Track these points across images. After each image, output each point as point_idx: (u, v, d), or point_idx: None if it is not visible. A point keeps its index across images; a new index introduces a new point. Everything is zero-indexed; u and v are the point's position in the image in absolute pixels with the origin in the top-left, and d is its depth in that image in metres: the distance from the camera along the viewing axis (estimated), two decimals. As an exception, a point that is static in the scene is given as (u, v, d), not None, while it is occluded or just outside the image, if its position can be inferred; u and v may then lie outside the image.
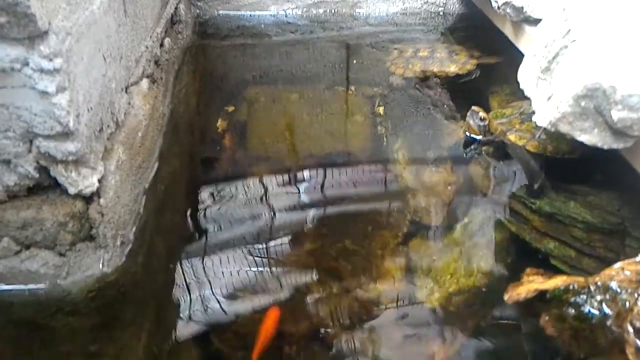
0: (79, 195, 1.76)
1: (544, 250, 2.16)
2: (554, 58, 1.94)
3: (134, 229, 1.91)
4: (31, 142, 1.66)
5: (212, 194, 2.59)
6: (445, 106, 3.02)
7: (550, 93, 1.92)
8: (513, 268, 2.25)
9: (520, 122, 2.55)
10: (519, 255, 2.29)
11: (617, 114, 1.67)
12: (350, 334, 2.12)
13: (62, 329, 1.69)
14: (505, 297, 1.96)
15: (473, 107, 2.66)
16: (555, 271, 2.07)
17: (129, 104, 2.17)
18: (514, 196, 2.39)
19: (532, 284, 1.95)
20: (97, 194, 1.80)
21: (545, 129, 2.46)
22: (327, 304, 2.19)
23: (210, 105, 3.01)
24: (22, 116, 1.59)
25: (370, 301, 2.21)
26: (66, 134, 1.64)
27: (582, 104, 1.77)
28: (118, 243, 1.83)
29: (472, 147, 2.69)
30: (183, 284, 2.17)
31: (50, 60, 1.53)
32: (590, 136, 1.82)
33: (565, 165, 2.46)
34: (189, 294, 2.15)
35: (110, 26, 1.97)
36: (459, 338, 2.11)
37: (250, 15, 3.70)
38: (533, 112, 2.10)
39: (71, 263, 1.75)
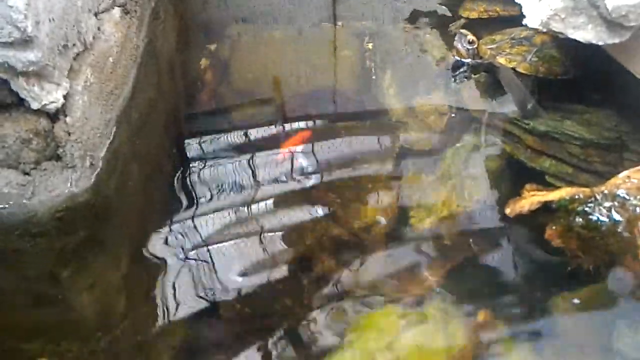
0: (43, 112, 1.68)
1: (539, 169, 2.08)
2: (544, -43, 1.85)
3: (103, 152, 1.83)
4: (-12, 51, 1.58)
5: (191, 127, 2.51)
6: (434, 41, 2.92)
7: (542, -8, 1.84)
8: (508, 191, 2.17)
9: (511, 46, 2.47)
10: (513, 178, 2.22)
11: (611, 2, 1.58)
12: (340, 263, 2.06)
13: (29, 251, 1.61)
14: (507, 211, 1.90)
15: (461, 30, 2.58)
16: (551, 186, 2.00)
17: (99, 29, 2.08)
18: (506, 118, 2.31)
19: (535, 196, 1.88)
20: (62, 111, 1.72)
21: (536, 51, 2.38)
22: (316, 235, 2.12)
23: (191, 43, 2.92)
24: (-24, 21, 1.51)
25: (360, 230, 2.15)
26: (25, 42, 1.56)
27: (575, -4, 1.69)
28: (87, 164, 1.74)
29: (461, 70, 2.60)
30: (161, 213, 2.10)
31: (3, -43, 1.44)
32: (584, 32, 1.73)
33: (559, 86, 2.37)
34: (167, 223, 2.08)
35: (74, -61, 1.88)
36: (450, 260, 2.05)
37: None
38: (524, 16, 2.01)
39: (36, 182, 1.67)
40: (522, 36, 2.47)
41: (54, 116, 1.69)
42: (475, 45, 2.53)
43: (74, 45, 1.84)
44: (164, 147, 2.37)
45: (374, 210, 2.20)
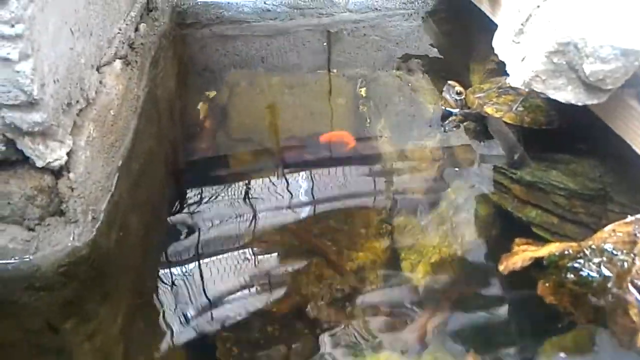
0: (47, 169, 1.74)
1: (525, 219, 2.14)
2: (526, 20, 1.93)
3: (105, 205, 1.89)
4: (-4, 113, 1.64)
5: (190, 175, 2.57)
6: (426, 86, 3.01)
7: (524, 54, 1.91)
8: (498, 238, 2.24)
9: (498, 96, 2.55)
10: (503, 226, 2.28)
11: (589, 67, 1.66)
12: (335, 310, 2.10)
13: (33, 304, 1.66)
14: (501, 268, 1.95)
15: (449, 82, 2.67)
16: (541, 240, 2.05)
17: (101, 82, 2.15)
18: (495, 168, 2.38)
19: (527, 252, 1.93)
20: (66, 168, 1.78)
21: (522, 100, 2.46)
22: (310, 282, 2.17)
23: (190, 90, 3.00)
24: (-15, 85, 1.57)
25: (354, 276, 2.20)
26: (31, 104, 1.62)
27: (555, 60, 1.76)
28: (89, 218, 1.80)
29: (450, 119, 2.68)
30: (159, 262, 2.15)
31: (12, 26, 1.51)
32: (565, 93, 1.81)
33: (544, 136, 2.44)
34: (166, 272, 2.13)
35: (78, 1, 1.96)
36: (445, 308, 2.10)
37: (229, 3, 3.68)
38: (507, 75, 2.09)
39: (40, 238, 1.72)
40: (508, 85, 2.54)
41: (57, 173, 1.76)
42: (463, 96, 2.61)
43: (77, 102, 1.91)
44: (163, 194, 2.43)
45: (367, 255, 2.25)
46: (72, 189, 1.77)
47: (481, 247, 2.26)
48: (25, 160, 1.73)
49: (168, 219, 2.34)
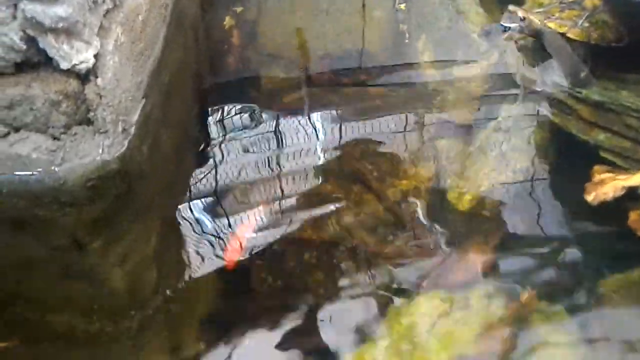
0: (73, 72, 1.54)
1: (592, 142, 1.94)
2: None
3: (136, 116, 1.70)
4: (15, 5, 1.44)
5: (219, 93, 2.36)
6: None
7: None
8: (557, 165, 2.04)
9: (560, 10, 2.30)
10: (561, 151, 2.08)
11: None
12: (376, 241, 1.94)
13: (58, 221, 1.49)
14: (589, 198, 1.75)
15: (510, 7, 2.38)
16: (610, 165, 1.86)
17: (128, -16, 1.92)
18: (556, 86, 2.16)
19: (617, 181, 1.74)
20: (93, 72, 1.58)
21: (588, 16, 2.22)
22: (350, 209, 2.00)
23: (216, 4, 2.75)
24: (3, -29, 1.36)
25: (396, 204, 2.02)
26: (54, -5, 1.41)
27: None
28: (119, 129, 1.62)
29: (504, 34, 2.43)
30: (191, 182, 1.98)
31: None
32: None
33: (612, 54, 2.20)
34: (199, 193, 1.96)
35: None
36: (493, 238, 1.93)
37: None
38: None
39: (67, 148, 1.54)
40: (571, 0, 2.31)
41: (84, 77, 1.56)
42: (528, 21, 2.34)
43: (103, 1, 1.70)
44: (191, 112, 2.23)
45: (411, 182, 2.07)
46: (101, 96, 1.57)
47: (536, 174, 2.06)
48: (48, 62, 1.53)
49: (198, 137, 2.16)
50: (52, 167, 1.50)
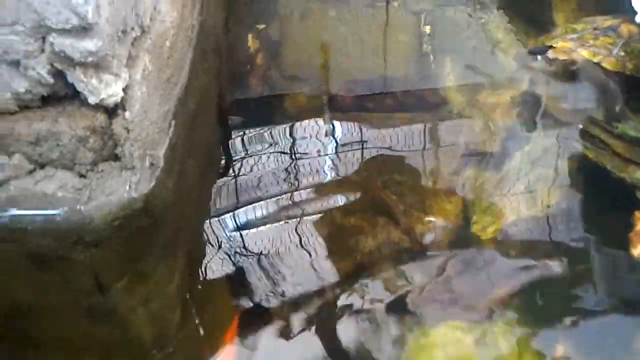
0: (101, 107, 1.47)
1: (629, 181, 1.86)
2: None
3: (164, 149, 1.62)
4: (44, 38, 1.37)
5: (243, 116, 2.30)
6: (500, 24, 2.67)
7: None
8: (586, 201, 1.97)
9: (594, 37, 2.22)
10: (594, 187, 2.01)
11: None
12: (400, 273, 1.88)
13: (83, 261, 1.42)
14: (636, 252, 1.68)
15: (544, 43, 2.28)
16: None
17: (155, 8, 1.85)
18: (589, 119, 2.09)
19: None
20: (121, 106, 1.51)
21: (624, 44, 2.14)
22: (373, 239, 1.94)
23: (240, 22, 2.68)
24: (33, 4, 1.29)
25: (421, 236, 1.96)
26: (84, 29, 1.34)
27: None
28: (147, 164, 1.54)
29: (535, 59, 2.35)
30: (218, 215, 1.92)
31: None
32: None
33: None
34: (225, 226, 1.89)
35: None
36: (517, 276, 1.86)
37: None
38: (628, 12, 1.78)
39: (93, 186, 1.47)
40: (605, 26, 2.22)
41: (112, 111, 1.49)
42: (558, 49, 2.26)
43: (132, 29, 1.63)
44: (216, 136, 2.17)
45: (438, 217, 2.00)
46: (128, 130, 1.50)
47: (567, 209, 1.99)
48: (75, 96, 1.46)
49: (221, 164, 2.09)
50: (78, 206, 1.43)
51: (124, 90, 1.52)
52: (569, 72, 2.23)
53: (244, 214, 1.99)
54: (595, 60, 2.13)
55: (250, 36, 2.61)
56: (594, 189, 2.00)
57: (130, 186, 1.49)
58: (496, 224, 1.95)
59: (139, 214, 1.48)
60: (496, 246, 1.93)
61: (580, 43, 2.20)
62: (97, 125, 1.46)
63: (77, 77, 1.41)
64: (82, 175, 1.47)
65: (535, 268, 1.86)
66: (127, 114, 1.52)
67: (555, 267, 1.83)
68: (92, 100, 1.44)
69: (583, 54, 2.16)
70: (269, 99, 2.40)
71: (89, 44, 1.37)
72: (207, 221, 1.94)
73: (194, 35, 2.06)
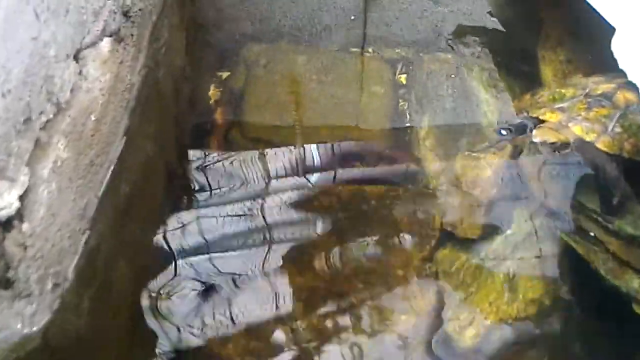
0: (-12, 222, 1.12)
1: (625, 290, 1.55)
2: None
3: (75, 261, 1.28)
4: None
5: (197, 193, 1.95)
6: (482, 75, 2.33)
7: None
8: (576, 302, 1.66)
9: (587, 108, 1.89)
10: (582, 285, 1.70)
11: None
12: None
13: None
14: None
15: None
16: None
17: (80, 73, 1.50)
18: (580, 209, 1.77)
19: None
20: (17, 217, 1.16)
21: (620, 117, 1.81)
22: (336, 341, 1.62)
23: (200, 69, 2.33)
24: None
25: (388, 336, 1.65)
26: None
27: None
28: (48, 287, 1.20)
29: (522, 131, 2.01)
30: (150, 340, 1.57)
31: None
32: None
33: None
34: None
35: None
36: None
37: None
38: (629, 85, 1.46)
39: (-26, 323, 1.12)
40: (599, 92, 1.89)
41: (3, 226, 1.14)
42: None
43: (41, 113, 1.28)
44: (162, 222, 1.82)
45: (408, 315, 1.68)
46: (26, 247, 1.16)
47: (553, 310, 1.68)
48: (-45, 209, 1.11)
49: (169, 260, 1.74)
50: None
51: (22, 197, 1.17)
52: (561, 148, 1.88)
53: (195, 334, 1.65)
54: (589, 139, 1.80)
55: (212, 87, 2.26)
56: (585, 288, 1.69)
57: (23, 320, 1.15)
58: (475, 325, 1.64)
59: (37, 353, 1.14)
60: (475, 352, 1.62)
61: (570, 115, 1.87)
62: (-19, 245, 1.11)
63: (-46, 190, 1.07)
64: (-40, 310, 1.12)
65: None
66: (24, 226, 1.17)
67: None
68: (-26, 216, 1.09)
69: (574, 130, 1.83)
70: (230, 168, 2.05)
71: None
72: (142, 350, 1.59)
73: (133, 96, 1.72)
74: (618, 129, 1.79)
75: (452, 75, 2.34)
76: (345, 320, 1.68)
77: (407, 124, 2.18)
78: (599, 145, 1.77)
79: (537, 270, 1.77)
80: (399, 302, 1.73)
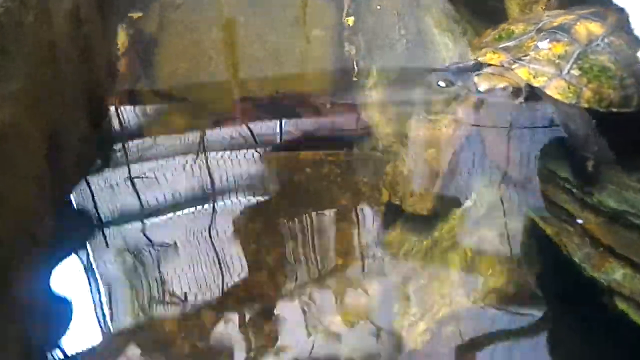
0: None
1: (605, 283, 1.21)
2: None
3: None
4: None
5: (90, 177, 1.55)
6: (440, 14, 1.94)
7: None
8: (546, 290, 1.35)
9: (536, 46, 1.46)
10: (554, 270, 1.36)
11: None
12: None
13: None
14: None
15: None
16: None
17: None
18: (550, 177, 1.41)
19: None
20: None
21: (579, 55, 1.40)
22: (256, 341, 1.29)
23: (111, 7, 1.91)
24: None
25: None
26: None
27: None
28: None
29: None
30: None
31: None
32: None
33: (614, 126, 1.40)
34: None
35: None
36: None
37: None
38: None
39: None
40: (556, 24, 1.49)
41: None
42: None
43: None
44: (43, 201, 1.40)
45: (347, 317, 1.35)
46: None
47: (517, 301, 1.34)
48: None
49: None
50: None
51: None
52: (530, 97, 1.48)
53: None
54: (537, 84, 1.40)
55: (120, 29, 1.85)
56: (553, 279, 1.37)
57: None
58: (427, 319, 1.34)
59: None
60: (423, 348, 1.32)
61: (515, 55, 1.45)
62: None
63: None
64: None
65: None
66: None
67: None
68: None
69: (519, 73, 1.42)
70: (132, 136, 1.66)
71: None
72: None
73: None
74: (575, 72, 1.39)
75: (406, 14, 1.93)
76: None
77: (353, 75, 1.80)
78: (550, 92, 1.38)
79: (500, 252, 1.44)
80: (336, 290, 1.40)
